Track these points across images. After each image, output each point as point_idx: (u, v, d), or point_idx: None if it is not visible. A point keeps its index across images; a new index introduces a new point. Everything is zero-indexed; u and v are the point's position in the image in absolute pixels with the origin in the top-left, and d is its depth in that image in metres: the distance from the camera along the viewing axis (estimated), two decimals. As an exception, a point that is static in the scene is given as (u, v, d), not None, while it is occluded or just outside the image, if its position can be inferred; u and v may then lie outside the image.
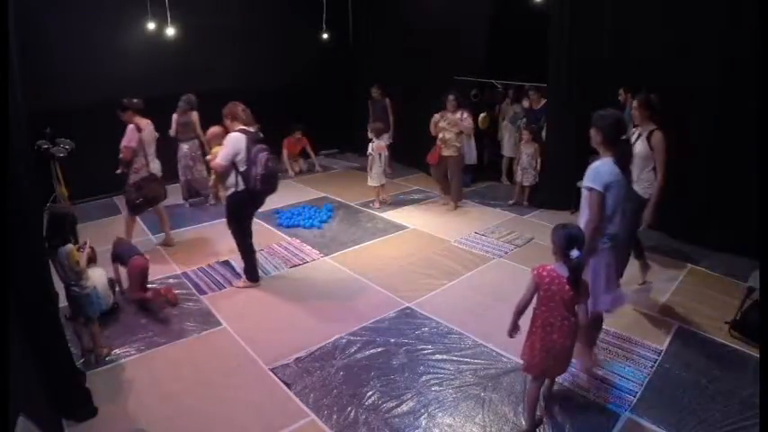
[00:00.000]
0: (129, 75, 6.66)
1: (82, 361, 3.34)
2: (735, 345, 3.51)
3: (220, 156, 3.91)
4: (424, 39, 7.45)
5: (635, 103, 3.97)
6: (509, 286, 4.28)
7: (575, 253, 2.43)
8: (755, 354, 3.36)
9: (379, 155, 6.43)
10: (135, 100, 4.96)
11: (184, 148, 6.33)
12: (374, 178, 6.52)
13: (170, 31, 6.79)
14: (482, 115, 7.13)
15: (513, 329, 2.75)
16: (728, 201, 4.82)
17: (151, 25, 6.73)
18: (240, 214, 4.20)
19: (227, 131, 4.08)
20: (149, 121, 5.01)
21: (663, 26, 5.09)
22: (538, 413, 2.86)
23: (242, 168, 3.90)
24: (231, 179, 4.00)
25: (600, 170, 2.85)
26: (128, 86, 6.58)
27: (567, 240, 2.47)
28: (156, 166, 5.06)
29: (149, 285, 4.14)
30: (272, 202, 6.71)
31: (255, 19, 7.80)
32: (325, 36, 8.28)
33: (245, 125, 4.02)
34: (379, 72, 8.27)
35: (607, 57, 5.60)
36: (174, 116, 6.24)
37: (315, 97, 8.61)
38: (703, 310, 3.96)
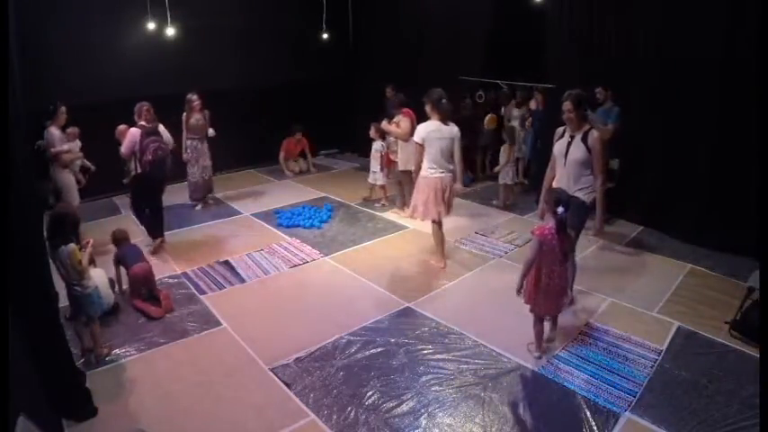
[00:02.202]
0: (129, 75, 6.67)
1: (82, 361, 3.34)
2: (735, 345, 3.51)
3: (123, 146, 4.88)
4: (425, 38, 7.45)
5: (567, 106, 3.61)
6: (509, 286, 4.26)
7: (560, 209, 3.11)
8: (755, 354, 3.35)
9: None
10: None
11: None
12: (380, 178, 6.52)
13: (170, 31, 6.78)
14: (488, 116, 7.11)
15: (521, 288, 3.34)
16: (728, 201, 4.82)
17: (151, 25, 6.73)
18: (138, 193, 5.09)
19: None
20: (48, 130, 4.95)
21: (663, 26, 5.09)
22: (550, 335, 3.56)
23: (138, 156, 4.80)
24: (133, 164, 4.92)
25: (420, 128, 4.40)
26: (127, 87, 6.60)
27: (554, 202, 3.19)
28: (63, 178, 5.00)
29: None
30: (272, 202, 6.78)
31: (255, 19, 7.79)
32: (325, 36, 8.28)
33: (146, 122, 4.90)
34: (379, 72, 8.26)
35: (607, 57, 5.59)
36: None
37: (315, 97, 8.61)
38: (703, 310, 3.95)
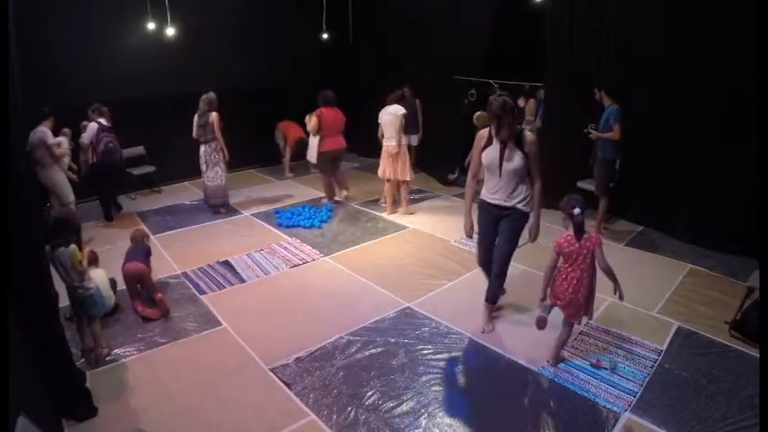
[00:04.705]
0: (129, 75, 6.68)
1: (82, 361, 3.34)
2: (735, 345, 3.51)
3: (84, 137, 5.74)
4: (425, 38, 7.44)
5: (509, 119, 3.20)
6: (509, 286, 4.27)
7: (576, 211, 2.98)
8: (755, 354, 3.35)
9: None
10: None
11: (201, 150, 6.14)
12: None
13: (170, 31, 6.79)
14: (477, 114, 7.11)
15: (544, 298, 3.21)
16: (728, 201, 4.82)
17: (151, 25, 6.74)
18: (97, 178, 5.89)
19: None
20: (39, 129, 5.09)
21: (663, 26, 5.09)
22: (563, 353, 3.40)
23: (93, 147, 5.72)
24: (90, 154, 5.78)
25: (381, 113, 5.92)
26: (127, 87, 6.63)
27: (571, 206, 3.03)
28: (55, 176, 5.18)
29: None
30: (272, 202, 6.79)
31: (255, 19, 7.80)
32: (325, 36, 8.28)
33: (105, 120, 5.77)
34: (379, 72, 8.27)
35: (607, 57, 5.59)
36: (195, 118, 6.08)
37: (315, 97, 8.59)
38: (703, 310, 3.95)
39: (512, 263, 4.54)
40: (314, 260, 5.00)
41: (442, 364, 3.38)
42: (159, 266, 4.68)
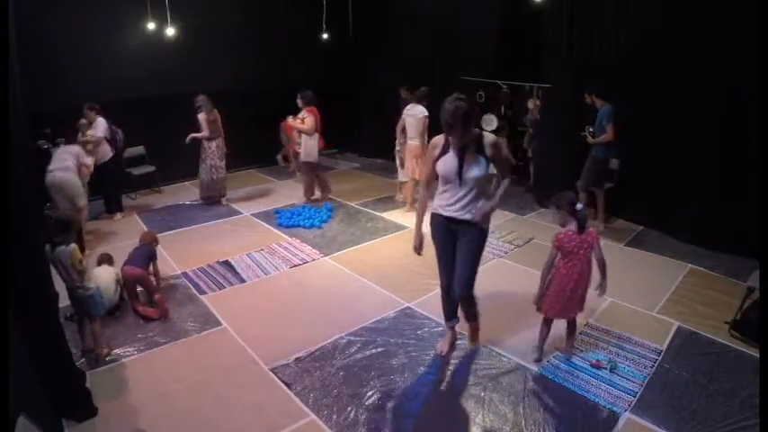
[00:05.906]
0: (129, 75, 6.68)
1: (82, 361, 3.34)
2: (735, 345, 3.51)
3: (99, 132, 5.87)
4: (427, 38, 7.44)
5: (459, 131, 2.82)
6: (509, 286, 4.28)
7: (579, 206, 3.01)
8: (755, 354, 3.35)
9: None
10: None
11: (213, 146, 6.36)
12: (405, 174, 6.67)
13: (170, 31, 6.79)
14: (483, 117, 7.08)
15: (543, 295, 3.23)
16: (728, 201, 4.82)
17: (151, 25, 6.74)
18: (112, 172, 6.11)
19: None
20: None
21: (663, 26, 5.09)
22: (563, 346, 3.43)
23: (109, 138, 6.01)
24: (103, 148, 5.93)
25: (404, 111, 6.07)
26: (127, 87, 6.63)
27: (571, 202, 3.05)
28: (61, 176, 5.11)
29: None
30: (272, 202, 6.79)
31: (256, 19, 7.80)
32: (325, 36, 8.28)
33: (102, 116, 5.98)
34: (379, 72, 8.26)
35: (607, 56, 5.58)
36: (203, 116, 6.17)
37: (315, 98, 8.59)
38: (703, 310, 3.95)
39: (512, 263, 4.54)
40: (314, 260, 5.00)
41: (441, 364, 3.38)
42: (159, 267, 4.66)
